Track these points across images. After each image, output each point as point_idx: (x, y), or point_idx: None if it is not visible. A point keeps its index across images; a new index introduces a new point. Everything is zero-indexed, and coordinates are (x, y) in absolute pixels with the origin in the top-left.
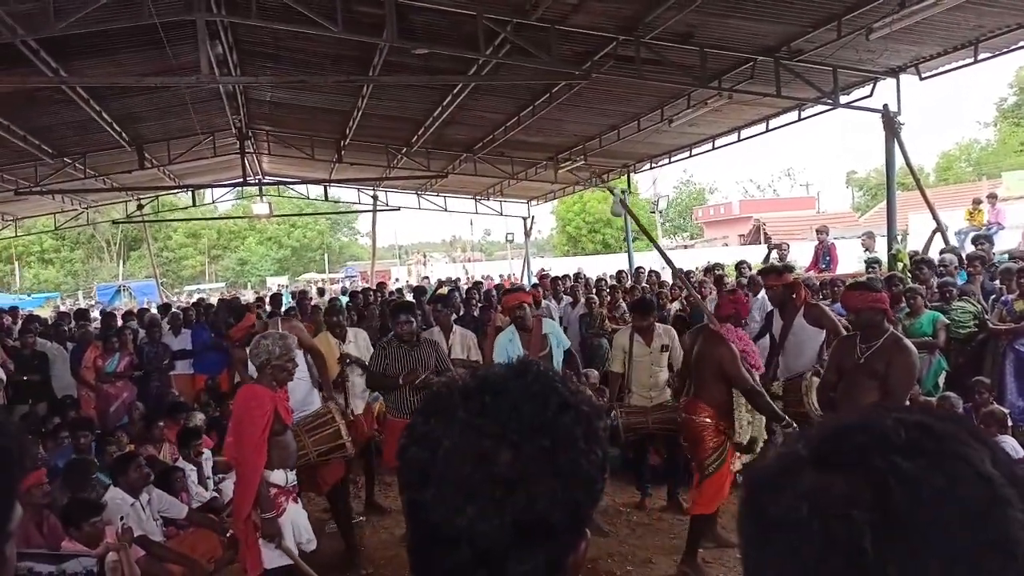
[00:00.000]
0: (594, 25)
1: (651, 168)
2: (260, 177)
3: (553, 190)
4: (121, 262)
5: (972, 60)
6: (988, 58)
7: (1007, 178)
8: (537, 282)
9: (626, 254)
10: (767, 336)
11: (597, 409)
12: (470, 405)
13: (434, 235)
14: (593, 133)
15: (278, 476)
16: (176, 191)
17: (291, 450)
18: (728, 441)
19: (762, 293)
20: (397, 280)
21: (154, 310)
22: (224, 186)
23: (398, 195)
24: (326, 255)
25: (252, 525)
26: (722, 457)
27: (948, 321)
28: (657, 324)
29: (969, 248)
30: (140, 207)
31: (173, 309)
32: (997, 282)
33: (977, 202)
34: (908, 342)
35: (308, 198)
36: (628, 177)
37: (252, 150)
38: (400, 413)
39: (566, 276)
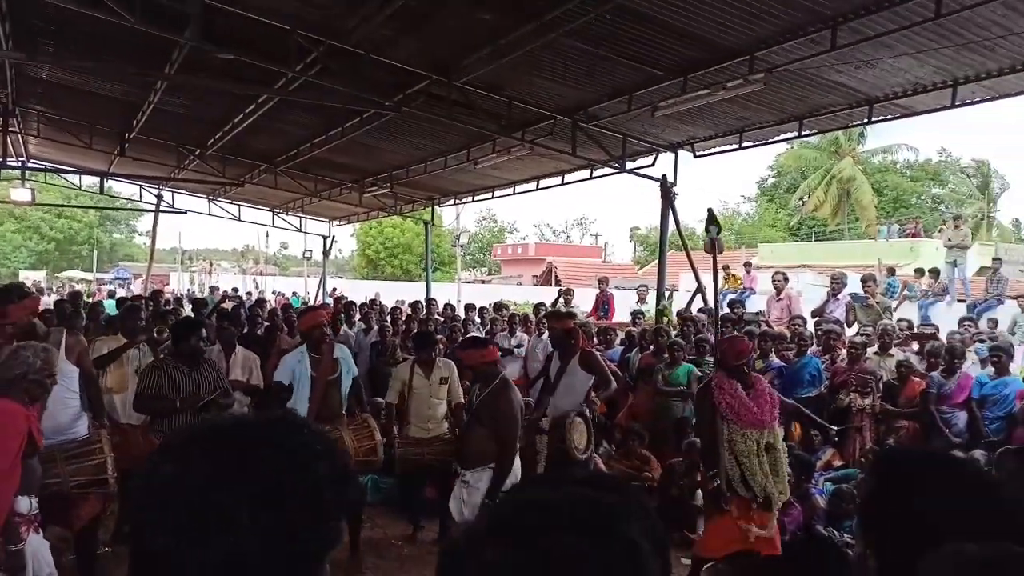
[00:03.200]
0: (408, 60)
1: (455, 204)
2: (24, 160)
3: (357, 213)
4: None
5: (737, 146)
6: (751, 146)
7: (762, 249)
8: (330, 302)
9: (424, 283)
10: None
11: (341, 455)
12: (208, 446)
13: (224, 242)
14: (401, 163)
15: (23, 504)
16: None
17: (38, 475)
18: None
19: (546, 334)
20: (175, 290)
21: None
22: None
23: (186, 197)
24: (95, 252)
25: None
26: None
27: (700, 374)
28: (438, 358)
29: (725, 309)
30: None
31: None
32: None
33: (725, 268)
34: (513, 388)
35: (80, 188)
36: (432, 209)
37: (18, 129)
38: None
39: (363, 304)
